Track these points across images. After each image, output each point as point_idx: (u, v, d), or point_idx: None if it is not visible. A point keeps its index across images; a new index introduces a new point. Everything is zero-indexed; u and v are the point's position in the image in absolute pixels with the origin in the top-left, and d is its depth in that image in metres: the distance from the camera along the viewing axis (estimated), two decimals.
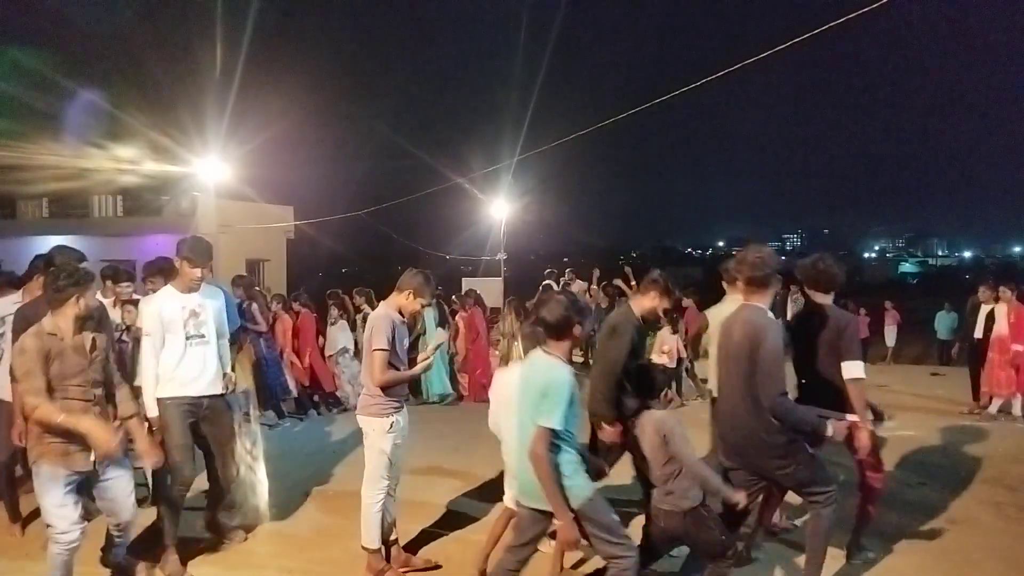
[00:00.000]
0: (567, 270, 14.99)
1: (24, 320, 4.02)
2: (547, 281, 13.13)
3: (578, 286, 14.73)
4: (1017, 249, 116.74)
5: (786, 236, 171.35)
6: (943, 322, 15.39)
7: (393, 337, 4.03)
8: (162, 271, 4.97)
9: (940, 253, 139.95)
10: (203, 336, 4.25)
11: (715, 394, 4.23)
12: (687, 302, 9.67)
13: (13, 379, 3.88)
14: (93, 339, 3.62)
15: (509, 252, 21.71)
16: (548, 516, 3.18)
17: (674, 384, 8.91)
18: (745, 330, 3.53)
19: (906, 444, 7.03)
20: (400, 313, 4.17)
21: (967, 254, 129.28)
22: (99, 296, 4.65)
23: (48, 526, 3.50)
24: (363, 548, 4.15)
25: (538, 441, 3.03)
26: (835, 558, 4.35)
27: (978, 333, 8.66)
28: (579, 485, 3.14)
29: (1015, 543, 4.65)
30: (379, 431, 4.05)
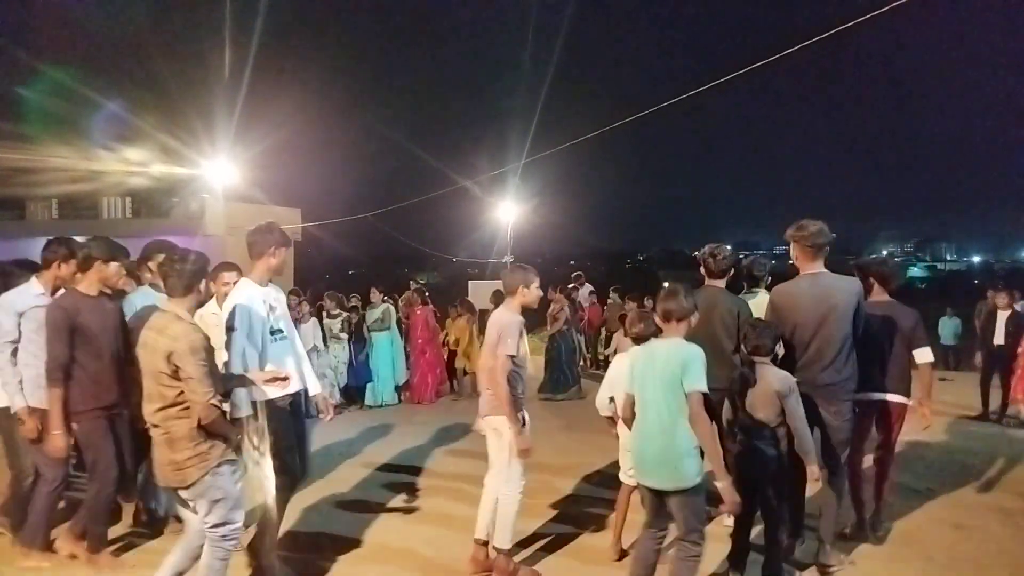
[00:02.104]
0: (575, 274, 15.17)
1: (66, 315, 3.93)
2: (572, 284, 13.94)
3: (586, 289, 14.78)
4: None
5: None
6: (946, 327, 15.33)
7: (518, 341, 4.16)
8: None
9: (949, 258, 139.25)
10: (282, 331, 4.10)
11: None
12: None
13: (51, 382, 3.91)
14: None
15: (516, 254, 21.70)
16: (665, 495, 3.50)
17: None
18: (851, 289, 4.16)
19: (913, 449, 6.99)
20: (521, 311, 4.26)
21: (976, 259, 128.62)
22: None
23: (225, 525, 3.33)
24: (496, 549, 4.17)
25: (697, 405, 3.37)
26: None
27: (998, 339, 8.61)
28: (700, 460, 3.45)
29: (1022, 549, 4.62)
30: (511, 429, 4.07)
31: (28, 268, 4.48)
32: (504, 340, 4.05)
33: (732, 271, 4.65)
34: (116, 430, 4.15)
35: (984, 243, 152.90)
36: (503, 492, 4.13)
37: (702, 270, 4.72)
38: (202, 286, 3.47)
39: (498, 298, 10.86)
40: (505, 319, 4.15)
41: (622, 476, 4.45)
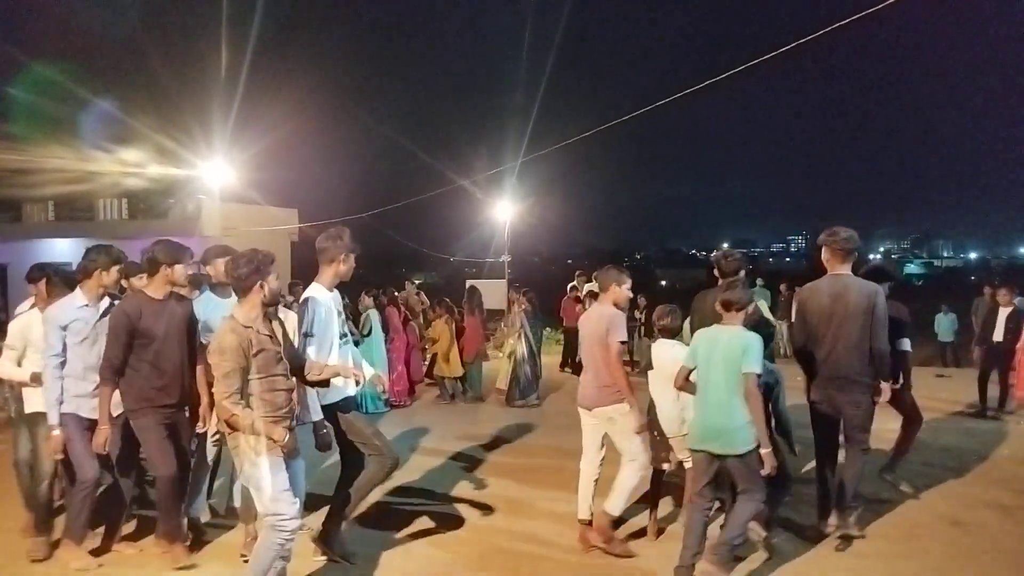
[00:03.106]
0: (576, 272, 15.25)
1: (127, 319, 4.02)
2: (573, 283, 14.02)
3: (588, 288, 14.83)
4: (1023, 250, 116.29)
5: (791, 237, 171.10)
6: (942, 324, 15.36)
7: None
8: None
9: (945, 254, 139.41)
10: (347, 335, 4.35)
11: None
12: None
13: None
14: (279, 326, 3.66)
15: (513, 254, 21.68)
16: (723, 460, 3.97)
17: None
18: (863, 291, 4.49)
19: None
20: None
21: (973, 255, 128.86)
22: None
23: (271, 515, 3.44)
24: (604, 512, 4.48)
25: (752, 384, 3.89)
26: (841, 555, 4.36)
27: (998, 336, 8.60)
28: (753, 430, 3.93)
29: (1020, 545, 4.63)
30: (624, 413, 4.43)
31: (67, 284, 4.47)
32: (616, 329, 4.43)
33: (742, 272, 4.99)
34: (174, 429, 4.24)
35: (981, 240, 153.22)
36: (628, 466, 4.48)
37: (716, 272, 5.04)
38: (267, 286, 3.50)
39: (516, 293, 10.87)
40: (609, 312, 4.54)
41: (654, 463, 4.73)
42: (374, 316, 9.45)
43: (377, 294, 10.43)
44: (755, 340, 3.96)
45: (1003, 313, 8.59)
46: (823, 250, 4.70)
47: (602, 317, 4.54)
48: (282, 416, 3.50)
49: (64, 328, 4.14)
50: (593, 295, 14.40)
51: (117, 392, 4.13)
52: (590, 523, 4.56)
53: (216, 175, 17.74)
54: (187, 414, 4.37)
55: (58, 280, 4.53)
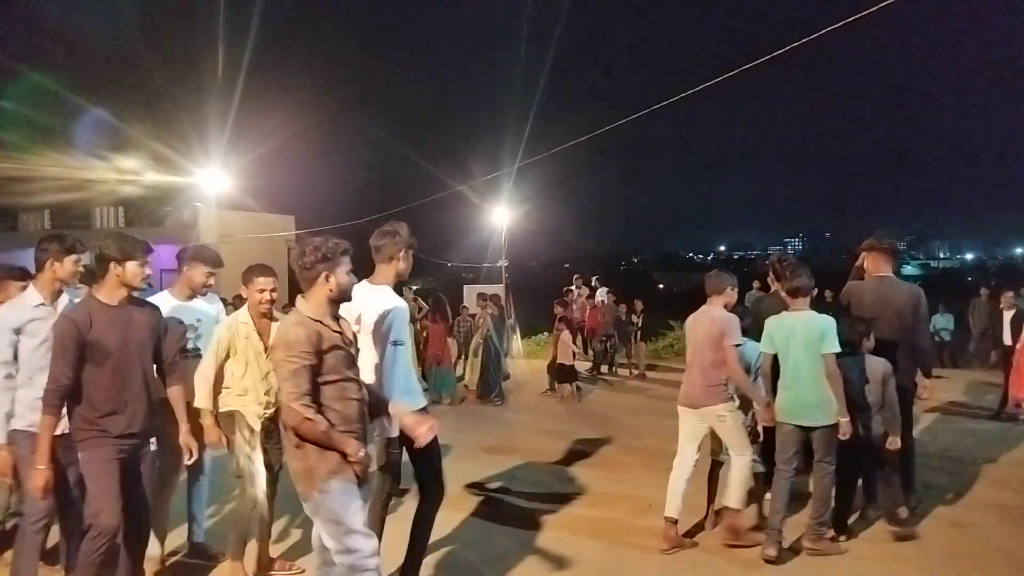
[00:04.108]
0: (575, 276, 15.34)
1: (75, 329, 3.21)
2: (572, 286, 14.61)
3: (585, 291, 14.87)
4: (1019, 251, 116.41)
5: (787, 239, 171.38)
6: (938, 324, 15.39)
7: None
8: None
9: (942, 255, 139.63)
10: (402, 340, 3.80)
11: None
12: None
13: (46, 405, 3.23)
14: (344, 323, 3.14)
15: (510, 259, 21.69)
16: (805, 431, 4.39)
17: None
18: (907, 291, 4.96)
19: None
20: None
21: (969, 256, 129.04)
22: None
23: (345, 552, 2.88)
24: (727, 508, 4.60)
25: (832, 363, 4.29)
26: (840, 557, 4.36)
27: (1007, 339, 8.59)
28: (834, 404, 4.31)
29: (1020, 547, 4.63)
30: (732, 410, 4.58)
31: (19, 276, 4.09)
32: (731, 333, 4.53)
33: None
34: (132, 466, 3.38)
35: (977, 241, 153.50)
36: (739, 460, 4.57)
37: (770, 278, 5.36)
38: (333, 278, 2.99)
39: (483, 300, 11.05)
40: (722, 315, 4.65)
41: (712, 455, 4.93)
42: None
43: None
44: (830, 323, 4.37)
45: (1007, 316, 8.59)
46: (869, 255, 5.07)
47: (715, 320, 4.62)
48: (355, 431, 2.96)
49: (17, 332, 3.54)
50: (590, 298, 14.52)
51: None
52: (676, 522, 4.61)
53: (212, 182, 17.76)
54: (153, 447, 3.55)
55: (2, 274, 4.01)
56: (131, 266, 3.35)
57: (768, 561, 4.29)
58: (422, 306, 11.63)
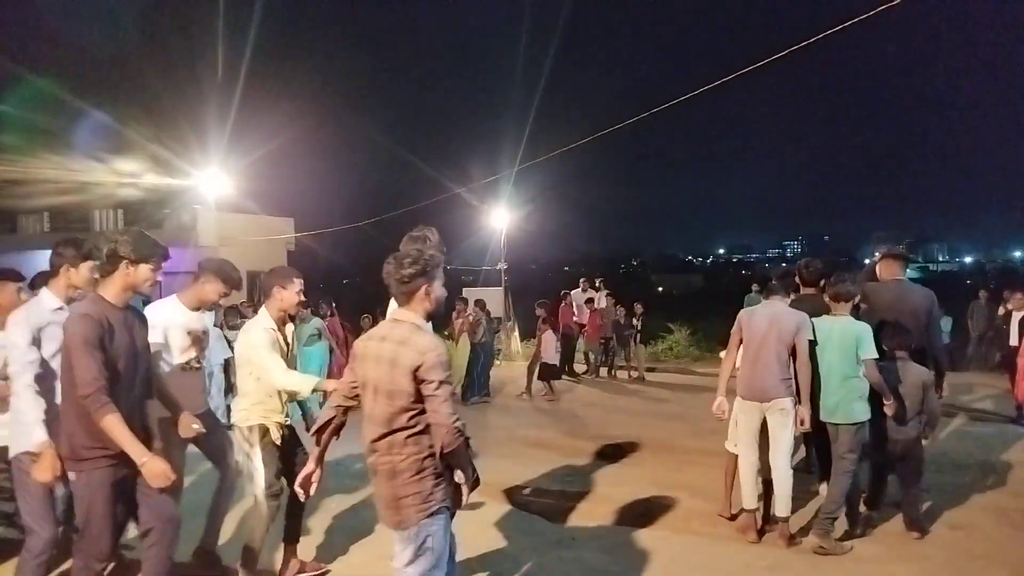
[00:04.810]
0: (581, 280, 15.54)
1: (98, 327, 3.00)
2: (576, 290, 14.79)
3: (588, 295, 14.88)
4: (1017, 253, 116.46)
5: (786, 243, 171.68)
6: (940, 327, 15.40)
7: None
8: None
9: (941, 258, 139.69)
10: None
11: None
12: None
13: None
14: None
15: (509, 261, 21.70)
16: (838, 428, 4.65)
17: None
18: (922, 294, 5.21)
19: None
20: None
21: (968, 259, 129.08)
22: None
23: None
24: (779, 517, 4.69)
25: (872, 367, 4.58)
26: (835, 560, 4.36)
27: (1013, 341, 8.57)
28: (866, 404, 4.66)
29: (1019, 549, 4.63)
30: (793, 406, 4.64)
31: (14, 278, 3.98)
32: (806, 328, 4.67)
33: (823, 280, 5.28)
34: (130, 489, 3.16)
35: (975, 243, 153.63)
36: (784, 465, 4.69)
37: (796, 279, 5.46)
38: (432, 292, 2.90)
39: (462, 304, 11.20)
40: (798, 313, 4.78)
41: (727, 446, 5.15)
42: (318, 324, 9.32)
43: (319, 305, 10.39)
44: (866, 329, 4.65)
45: (1016, 317, 8.56)
46: (883, 261, 5.38)
47: (792, 315, 4.75)
48: None
49: (39, 331, 3.38)
50: (589, 300, 14.52)
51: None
52: (756, 511, 4.78)
53: (212, 185, 17.76)
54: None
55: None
56: (143, 269, 3.19)
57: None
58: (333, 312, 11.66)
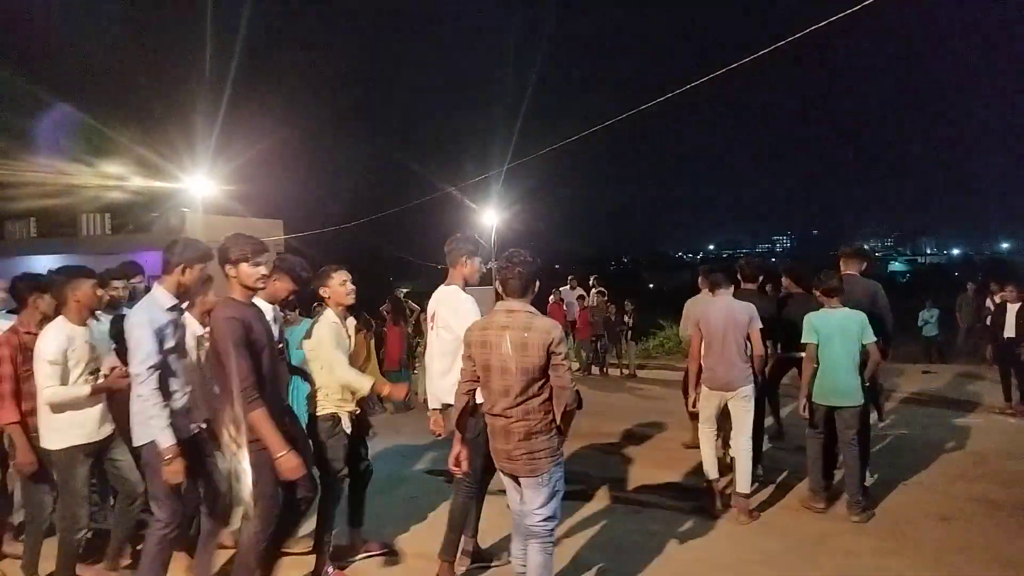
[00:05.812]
0: (569, 277, 15.47)
1: (243, 327, 3.31)
2: (566, 287, 14.97)
3: (578, 292, 14.89)
4: (1005, 245, 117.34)
5: (776, 238, 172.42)
6: (927, 320, 15.48)
7: None
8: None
9: (929, 251, 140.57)
10: None
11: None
12: None
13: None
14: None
15: (499, 261, 21.66)
16: (839, 410, 5.08)
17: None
18: (865, 285, 5.75)
19: (899, 442, 7.06)
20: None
21: (956, 252, 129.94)
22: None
23: (552, 519, 3.40)
24: (740, 493, 5.10)
25: (875, 351, 5.06)
26: (831, 555, 4.37)
27: (1009, 332, 8.57)
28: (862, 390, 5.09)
29: (1010, 540, 4.65)
30: (753, 392, 5.17)
31: (87, 275, 3.96)
32: (756, 319, 5.16)
33: (761, 276, 6.06)
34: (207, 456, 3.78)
35: (963, 237, 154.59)
36: (746, 441, 5.16)
37: (739, 276, 5.99)
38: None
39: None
40: (746, 304, 5.20)
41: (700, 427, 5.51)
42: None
43: (311, 307, 10.28)
44: (865, 317, 5.08)
45: (1012, 309, 8.55)
46: (841, 259, 5.96)
47: (743, 307, 5.19)
48: None
49: (161, 331, 3.44)
50: (581, 298, 14.53)
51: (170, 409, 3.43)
52: (716, 480, 5.27)
53: (200, 187, 17.67)
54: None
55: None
56: (244, 268, 3.45)
57: (818, 511, 5.12)
58: (413, 308, 11.58)
